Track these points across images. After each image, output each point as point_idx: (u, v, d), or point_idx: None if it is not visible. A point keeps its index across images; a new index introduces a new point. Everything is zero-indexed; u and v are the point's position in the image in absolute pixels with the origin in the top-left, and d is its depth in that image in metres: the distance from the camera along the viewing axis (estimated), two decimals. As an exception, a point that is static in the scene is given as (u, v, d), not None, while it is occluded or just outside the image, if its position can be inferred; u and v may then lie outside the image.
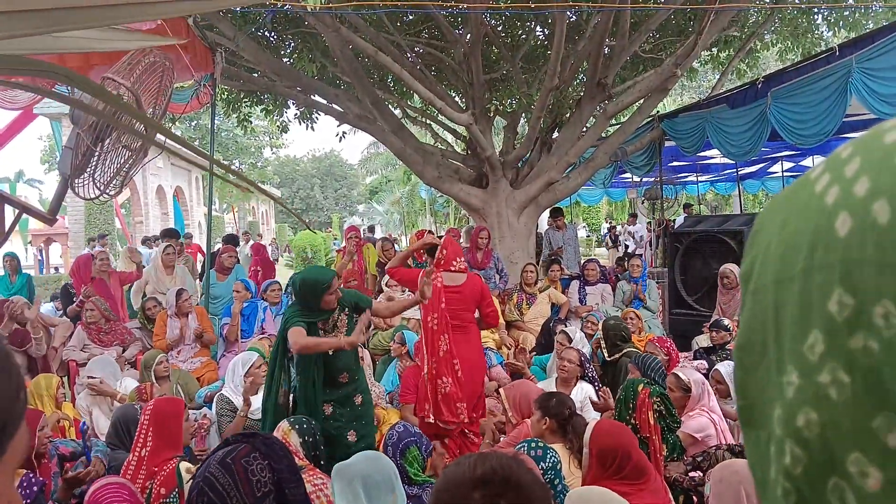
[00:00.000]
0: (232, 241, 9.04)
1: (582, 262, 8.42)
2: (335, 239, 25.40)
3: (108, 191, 2.45)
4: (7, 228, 2.61)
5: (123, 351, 6.05)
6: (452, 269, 4.36)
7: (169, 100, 3.52)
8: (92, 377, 4.69)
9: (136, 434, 2.99)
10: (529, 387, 3.92)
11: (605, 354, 5.17)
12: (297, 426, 2.95)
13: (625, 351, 5.22)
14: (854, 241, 0.37)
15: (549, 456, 2.59)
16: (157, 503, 2.84)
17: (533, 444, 2.65)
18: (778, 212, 0.44)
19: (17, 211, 2.48)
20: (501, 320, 6.65)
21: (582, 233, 27.22)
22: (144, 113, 2.32)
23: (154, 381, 4.88)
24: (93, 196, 2.40)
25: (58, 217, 2.61)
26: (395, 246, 8.42)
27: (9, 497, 0.69)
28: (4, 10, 0.64)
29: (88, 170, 2.45)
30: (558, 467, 2.61)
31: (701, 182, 17.63)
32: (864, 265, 0.36)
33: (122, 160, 2.56)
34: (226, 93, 9.99)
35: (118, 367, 4.98)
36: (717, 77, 11.02)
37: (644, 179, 12.85)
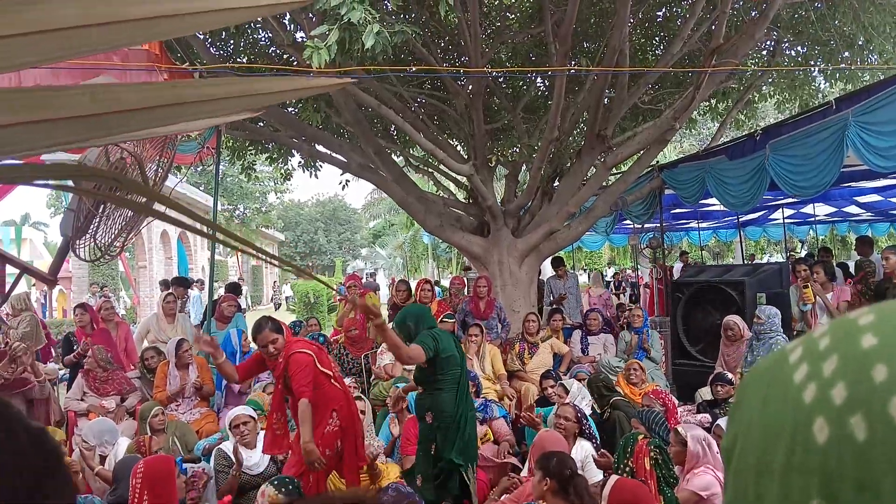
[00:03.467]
0: (234, 289, 9.06)
1: (584, 311, 8.41)
2: (340, 284, 25.41)
3: (109, 251, 2.48)
4: (7, 289, 2.63)
5: (122, 401, 6.02)
6: None
7: (175, 151, 3.57)
8: (85, 442, 4.65)
9: (130, 496, 2.96)
10: (554, 441, 3.87)
11: (597, 408, 5.14)
12: (282, 489, 2.92)
13: (612, 401, 5.21)
14: (832, 452, 0.38)
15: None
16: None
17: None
18: (758, 387, 0.45)
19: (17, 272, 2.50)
20: (503, 370, 6.61)
21: (584, 279, 27.20)
22: (146, 176, 2.36)
23: (150, 433, 4.84)
24: (94, 258, 2.42)
25: (58, 278, 2.63)
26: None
27: None
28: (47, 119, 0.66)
29: (90, 231, 2.48)
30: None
31: (703, 229, 17.71)
32: (844, 481, 0.37)
33: (124, 222, 2.59)
34: (231, 140, 10.13)
35: (116, 430, 4.93)
36: (717, 126, 11.16)
37: (646, 225, 12.93)
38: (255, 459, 4.30)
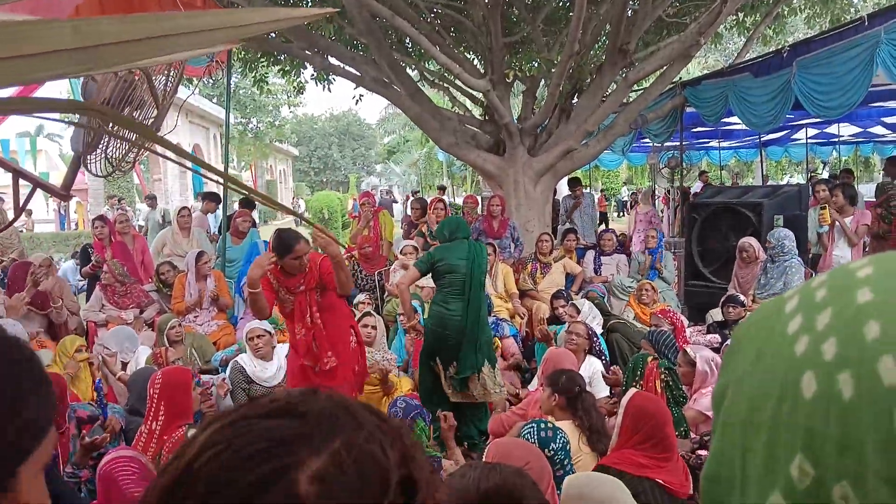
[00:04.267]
0: (248, 204, 9.07)
1: (598, 231, 8.38)
2: (353, 199, 25.40)
3: (121, 167, 2.46)
4: (21, 203, 2.63)
5: (141, 312, 6.15)
6: None
7: (184, 64, 3.50)
8: (107, 348, 4.77)
9: (148, 405, 3.05)
10: (564, 357, 3.93)
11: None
12: None
13: (610, 324, 5.26)
14: (818, 409, 0.36)
15: (558, 437, 2.62)
16: (169, 470, 2.91)
17: (542, 425, 2.67)
18: (754, 337, 0.44)
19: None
20: (515, 289, 6.66)
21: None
22: (154, 90, 2.31)
23: (167, 345, 4.96)
24: (106, 173, 2.40)
25: (72, 193, 2.63)
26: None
27: (39, 492, 0.72)
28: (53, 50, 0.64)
29: (101, 146, 2.46)
30: (567, 448, 2.64)
31: (723, 149, 17.37)
32: (826, 440, 0.35)
33: (136, 136, 2.55)
34: (242, 52, 9.91)
35: (136, 337, 5.06)
36: (743, 41, 10.75)
37: (666, 144, 12.70)
38: (271, 371, 4.42)
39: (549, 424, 2.67)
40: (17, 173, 2.40)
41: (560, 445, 2.59)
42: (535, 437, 2.62)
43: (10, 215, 6.39)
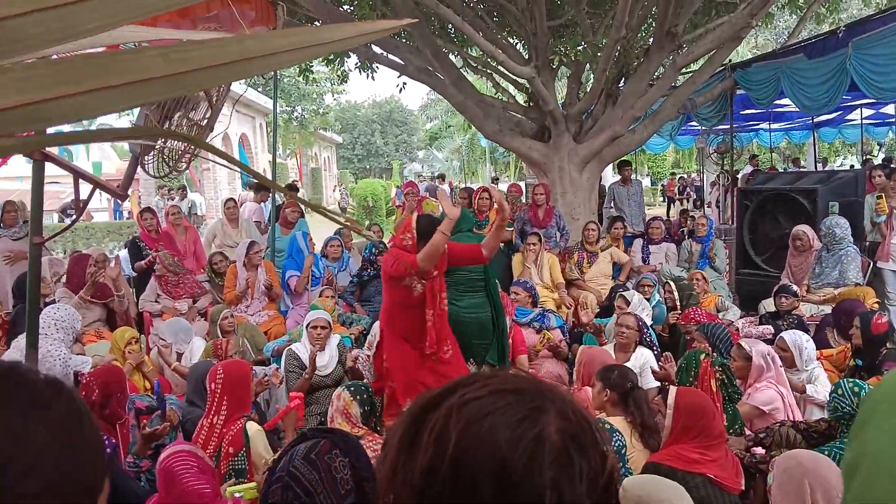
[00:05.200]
0: (291, 187, 9.18)
1: (646, 219, 8.25)
2: (395, 187, 25.50)
3: (176, 167, 2.51)
4: (82, 203, 2.71)
5: (194, 302, 6.29)
6: None
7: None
8: (162, 339, 4.89)
9: (209, 399, 3.12)
10: (599, 355, 3.88)
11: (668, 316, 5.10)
12: (357, 396, 3.03)
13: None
14: None
15: (614, 439, 2.60)
16: (226, 462, 2.99)
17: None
18: (889, 412, 0.42)
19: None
20: (561, 279, 6.60)
21: (646, 182, 26.54)
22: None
23: (220, 335, 5.06)
24: (162, 174, 2.45)
25: (129, 193, 2.69)
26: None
27: None
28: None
29: (157, 147, 2.51)
30: (623, 451, 2.62)
31: (774, 130, 16.87)
32: None
33: (192, 136, 2.60)
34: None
35: (191, 329, 5.18)
36: (795, 20, 10.40)
37: (714, 128, 12.41)
38: (324, 361, 4.48)
39: (607, 425, 2.66)
40: (78, 174, 2.48)
41: (615, 448, 2.57)
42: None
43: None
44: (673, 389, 2.88)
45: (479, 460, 0.64)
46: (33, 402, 0.59)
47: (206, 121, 2.58)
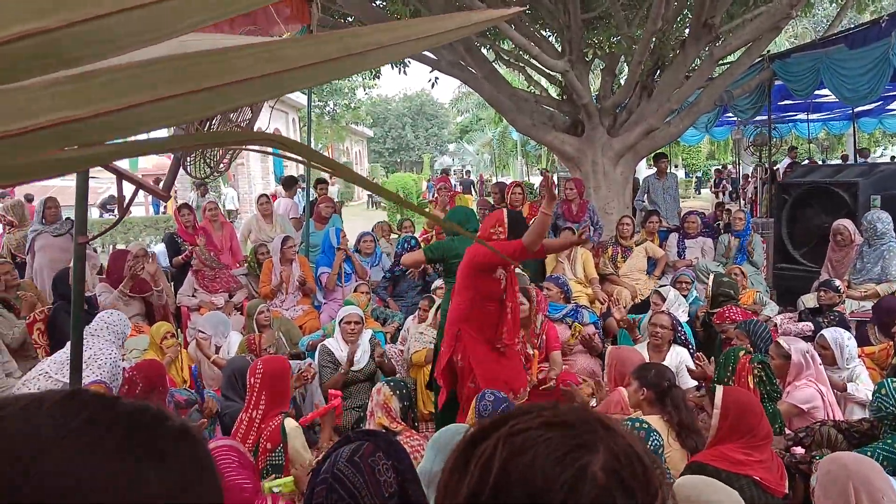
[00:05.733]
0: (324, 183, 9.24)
1: (682, 213, 8.14)
2: (426, 181, 25.53)
3: (217, 168, 2.55)
4: (126, 203, 2.76)
5: (230, 297, 6.39)
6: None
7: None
8: (202, 332, 4.98)
9: (248, 394, 3.17)
10: (629, 355, 3.86)
11: (706, 316, 5.02)
12: (397, 391, 3.06)
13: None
14: None
15: (651, 438, 2.58)
16: (264, 457, 3.04)
17: (636, 425, 2.64)
18: None
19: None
20: (595, 274, 6.55)
21: (680, 174, 26.18)
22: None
23: (256, 329, 5.14)
24: (204, 175, 2.49)
25: (172, 193, 2.74)
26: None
27: None
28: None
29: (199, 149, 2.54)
30: (660, 451, 2.61)
31: (812, 121, 16.50)
32: None
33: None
34: (320, 39, 10.04)
35: (228, 323, 5.26)
36: (836, 10, 10.15)
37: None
38: (357, 356, 4.52)
39: (644, 424, 2.64)
40: (122, 176, 2.53)
41: (653, 447, 2.55)
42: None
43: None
44: (720, 389, 2.84)
45: (517, 490, 0.65)
46: (151, 449, 0.56)
47: (245, 123, 2.61)
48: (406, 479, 1.71)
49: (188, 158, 2.50)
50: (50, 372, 3.63)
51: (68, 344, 4.05)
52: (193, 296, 6.24)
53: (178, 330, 5.84)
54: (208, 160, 2.44)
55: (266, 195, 7.90)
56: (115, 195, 2.78)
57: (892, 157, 22.43)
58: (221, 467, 2.37)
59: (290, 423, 2.97)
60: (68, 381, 2.79)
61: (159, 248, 7.86)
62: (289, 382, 3.25)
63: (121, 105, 0.56)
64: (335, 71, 0.65)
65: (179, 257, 6.57)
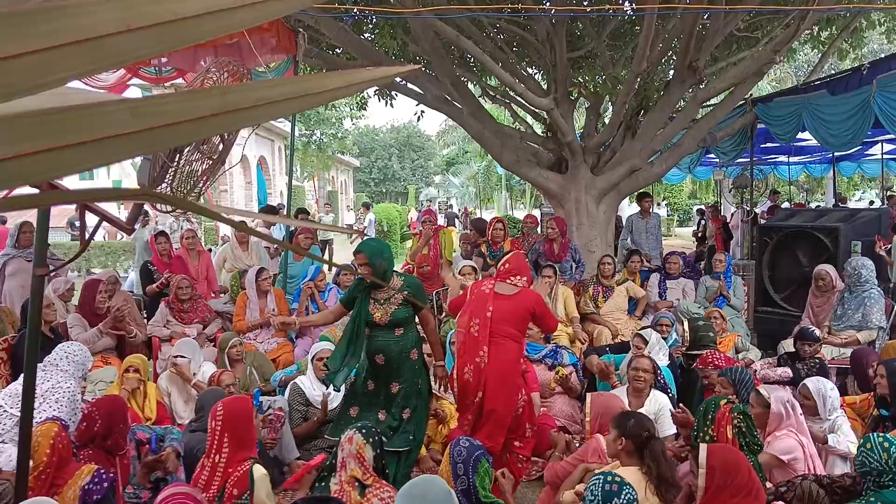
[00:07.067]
0: (303, 210, 9.17)
1: (664, 253, 8.13)
2: (412, 210, 25.53)
3: (187, 197, 2.46)
4: (88, 235, 2.66)
5: (204, 328, 6.23)
6: (509, 282, 4.12)
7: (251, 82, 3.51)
8: (182, 356, 4.83)
9: (210, 438, 3.04)
10: (611, 401, 3.76)
11: (683, 362, 4.95)
12: (370, 439, 2.94)
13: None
14: None
15: (624, 492, 2.48)
16: (230, 503, 2.90)
17: (609, 478, 2.54)
18: None
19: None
20: (576, 313, 6.49)
21: (662, 212, 26.38)
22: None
23: (228, 364, 4.99)
24: (172, 208, 2.40)
25: (135, 227, 2.65)
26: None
27: None
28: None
29: (167, 180, 2.46)
30: (634, 504, 2.50)
31: (793, 164, 16.73)
32: None
33: (202, 169, 2.56)
34: (307, 69, 10.05)
35: (201, 354, 5.11)
36: (817, 55, 10.33)
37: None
38: (331, 398, 4.39)
39: (618, 479, 2.54)
40: (85, 207, 2.43)
41: (625, 503, 2.45)
42: (600, 489, 2.49)
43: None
44: (704, 447, 2.76)
45: None
46: None
47: (217, 154, 2.53)
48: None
49: (162, 187, 2.41)
50: (5, 405, 3.48)
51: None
52: (166, 326, 6.08)
53: (149, 361, 5.67)
54: (176, 193, 2.36)
55: (244, 221, 7.76)
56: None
57: (871, 203, 22.76)
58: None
59: (259, 471, 2.84)
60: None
61: (133, 277, 7.71)
62: (252, 424, 3.12)
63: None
64: (216, 126, 0.62)
65: (153, 286, 6.42)
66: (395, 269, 4.20)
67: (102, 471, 2.93)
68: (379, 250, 4.00)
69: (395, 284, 3.99)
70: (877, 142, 12.33)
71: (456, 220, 24.65)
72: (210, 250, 8.17)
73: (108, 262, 15.10)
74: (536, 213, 12.50)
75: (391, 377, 3.95)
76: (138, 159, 2.59)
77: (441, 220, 23.50)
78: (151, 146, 0.64)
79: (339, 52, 9.26)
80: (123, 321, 5.36)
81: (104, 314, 5.48)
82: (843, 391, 4.88)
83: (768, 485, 3.34)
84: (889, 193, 16.84)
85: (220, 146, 2.57)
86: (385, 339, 3.91)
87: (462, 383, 4.00)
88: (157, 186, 2.43)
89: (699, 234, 13.73)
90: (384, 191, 47.12)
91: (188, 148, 2.36)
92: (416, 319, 4.09)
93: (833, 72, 9.61)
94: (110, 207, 3.09)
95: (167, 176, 2.41)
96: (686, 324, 5.45)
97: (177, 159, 2.39)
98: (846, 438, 3.89)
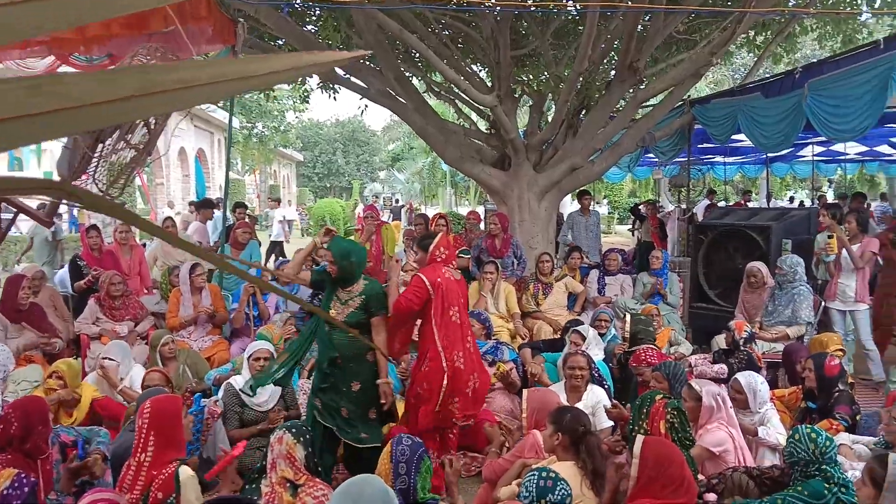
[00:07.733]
0: (242, 205, 8.97)
1: (603, 250, 8.25)
2: (358, 204, 25.30)
3: (109, 193, 2.35)
4: (5, 228, 2.52)
5: (135, 325, 6.02)
6: (453, 266, 4.35)
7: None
8: (110, 359, 4.64)
9: (136, 437, 2.92)
10: (548, 397, 3.78)
11: (622, 357, 5.03)
12: (300, 438, 2.87)
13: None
14: None
15: (559, 488, 2.49)
16: (154, 508, 2.79)
17: (544, 474, 2.54)
18: None
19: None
20: (517, 309, 6.53)
21: (603, 210, 26.85)
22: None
23: (160, 362, 4.83)
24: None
25: (55, 221, 2.52)
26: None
27: None
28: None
29: (89, 170, 2.35)
30: (567, 501, 2.51)
31: (728, 164, 17.26)
32: None
33: (127, 160, 2.46)
34: (248, 60, 9.81)
35: (132, 359, 4.93)
36: (753, 58, 10.64)
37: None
38: (265, 397, 4.29)
39: (552, 474, 2.54)
40: (2, 200, 2.30)
41: (559, 498, 2.46)
42: (535, 485, 2.49)
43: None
44: (639, 439, 2.80)
45: None
46: None
47: (143, 145, 2.43)
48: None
49: (76, 183, 2.29)
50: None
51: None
52: (95, 323, 5.84)
53: (77, 359, 5.44)
54: (98, 183, 2.25)
55: (171, 218, 7.54)
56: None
57: (792, 199, 23.67)
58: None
59: (186, 472, 2.74)
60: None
61: (62, 272, 7.39)
62: (181, 424, 3.01)
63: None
64: (136, 110, 0.53)
65: (82, 282, 6.17)
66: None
67: (23, 475, 2.79)
68: (347, 252, 4.03)
69: (357, 288, 4.03)
70: (808, 143, 12.80)
71: (402, 214, 24.55)
72: (144, 245, 7.91)
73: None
74: (480, 209, 12.54)
75: (350, 376, 3.98)
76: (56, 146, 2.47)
77: (386, 216, 23.42)
78: (54, 131, 0.56)
79: (280, 43, 9.07)
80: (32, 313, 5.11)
81: (27, 312, 5.22)
82: (774, 384, 5.03)
83: (700, 477, 3.42)
84: (820, 195, 17.56)
85: (147, 136, 2.47)
86: (340, 337, 3.96)
87: (453, 372, 4.05)
88: (77, 178, 2.31)
89: (633, 231, 14.02)
90: (328, 186, 46.60)
91: (110, 137, 2.26)
92: None
93: (767, 75, 9.92)
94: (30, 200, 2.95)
95: (89, 167, 2.30)
96: (628, 318, 5.53)
97: (99, 149, 2.28)
98: (775, 430, 4.01)
